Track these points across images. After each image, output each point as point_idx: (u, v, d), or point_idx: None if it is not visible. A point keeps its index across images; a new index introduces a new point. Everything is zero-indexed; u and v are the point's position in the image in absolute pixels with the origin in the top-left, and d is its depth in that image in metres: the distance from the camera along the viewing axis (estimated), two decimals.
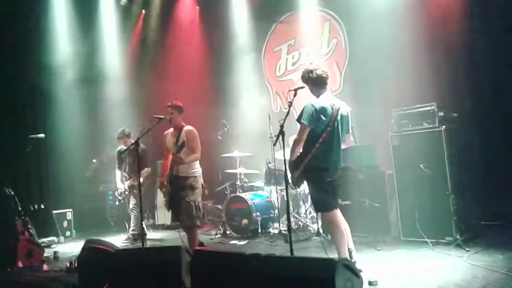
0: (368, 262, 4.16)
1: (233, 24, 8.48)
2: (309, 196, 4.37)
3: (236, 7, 8.48)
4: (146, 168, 6.68)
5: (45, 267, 5.19)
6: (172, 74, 8.53)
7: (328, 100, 4.07)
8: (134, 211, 6.73)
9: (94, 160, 8.61)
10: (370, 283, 3.10)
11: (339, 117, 4.07)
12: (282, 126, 3.80)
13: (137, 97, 8.61)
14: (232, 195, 6.83)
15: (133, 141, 6.19)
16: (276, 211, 6.52)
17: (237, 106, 8.08)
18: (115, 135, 7.01)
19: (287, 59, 8.05)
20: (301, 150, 4.01)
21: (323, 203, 3.99)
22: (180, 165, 4.75)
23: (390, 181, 5.45)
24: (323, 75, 4.10)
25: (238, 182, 7.10)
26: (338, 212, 4.01)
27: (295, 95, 4.01)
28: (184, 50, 8.76)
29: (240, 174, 7.11)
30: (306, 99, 4.13)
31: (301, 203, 6.66)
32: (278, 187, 6.53)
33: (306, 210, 6.49)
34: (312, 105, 3.99)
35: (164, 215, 8.00)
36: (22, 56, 7.49)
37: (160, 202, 7.90)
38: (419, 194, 5.05)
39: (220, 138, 7.26)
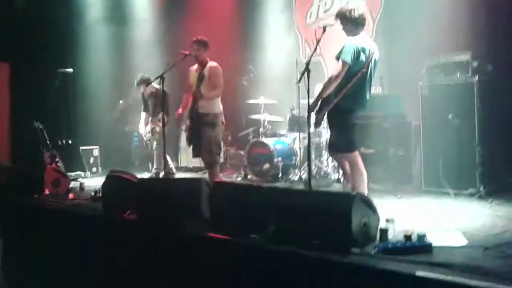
0: (387, 207, 4.15)
1: None
2: (329, 140, 4.30)
3: None
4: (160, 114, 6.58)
5: (71, 196, 5.37)
6: (200, 18, 8.40)
7: (365, 41, 4.01)
8: (157, 151, 6.83)
9: (121, 101, 8.74)
10: (387, 220, 3.10)
11: (373, 61, 4.02)
12: (308, 64, 3.73)
13: (165, 39, 8.54)
14: (255, 139, 6.84)
15: (154, 86, 6.25)
16: (298, 158, 6.53)
17: (265, 52, 7.92)
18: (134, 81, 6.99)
19: (319, 5, 7.79)
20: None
21: (347, 143, 3.98)
22: (201, 102, 4.77)
23: (416, 131, 5.36)
24: (364, 16, 4.03)
25: (261, 129, 7.09)
26: (358, 154, 4.02)
27: (323, 32, 3.92)
28: None
29: (264, 120, 7.09)
30: (334, 44, 4.06)
31: (323, 152, 6.64)
32: (301, 134, 6.51)
33: (328, 158, 6.47)
34: (354, 43, 3.91)
35: (187, 158, 8.09)
36: None
37: (183, 145, 7.97)
38: (445, 145, 4.95)
39: (246, 83, 7.21)
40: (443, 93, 4.99)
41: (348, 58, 3.86)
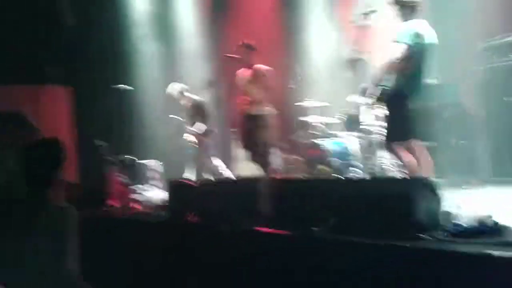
0: (453, 197, 4.00)
1: None
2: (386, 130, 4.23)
3: None
4: (200, 125, 6.66)
5: (136, 206, 5.57)
6: (242, 23, 8.52)
7: (421, 25, 3.96)
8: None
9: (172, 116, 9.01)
10: (454, 206, 3.00)
11: (429, 46, 3.94)
12: (356, 52, 3.72)
13: (212, 48, 8.72)
14: (310, 141, 6.81)
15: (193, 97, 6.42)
16: (355, 158, 6.43)
17: (311, 54, 7.93)
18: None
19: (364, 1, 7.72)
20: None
21: (406, 130, 3.91)
22: (252, 104, 4.84)
23: (477, 119, 5.17)
24: (419, 0, 3.97)
25: (315, 131, 7.05)
26: (419, 143, 3.91)
27: (367, 18, 3.91)
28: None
29: (317, 122, 7.06)
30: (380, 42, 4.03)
31: (377, 149, 6.50)
32: (355, 133, 6.42)
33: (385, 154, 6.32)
34: (410, 26, 3.89)
35: (239, 167, 8.16)
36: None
37: (235, 154, 8.07)
38: (510, 131, 4.74)
39: (294, 87, 7.23)
40: (501, 76, 4.81)
41: (406, 40, 3.83)
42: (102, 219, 5.14)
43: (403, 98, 3.93)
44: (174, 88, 6.99)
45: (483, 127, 5.02)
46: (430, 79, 4.20)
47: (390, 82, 3.93)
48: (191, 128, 7.05)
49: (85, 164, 7.40)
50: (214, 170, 6.27)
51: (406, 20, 4.03)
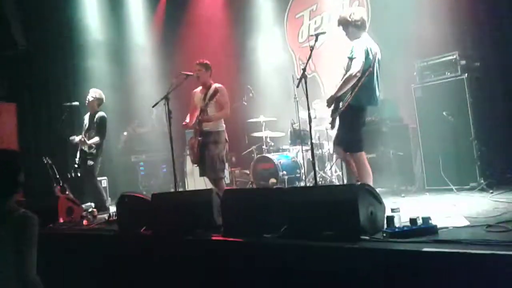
0: (393, 203, 4.29)
1: None
2: (337, 138, 4.43)
3: None
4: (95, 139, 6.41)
5: (85, 222, 5.49)
6: (196, 42, 8.72)
7: (369, 42, 4.22)
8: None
9: (125, 133, 8.97)
10: (392, 210, 3.24)
11: (377, 60, 4.23)
12: (304, 69, 3.94)
13: (165, 66, 8.82)
14: (259, 155, 7.01)
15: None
16: (302, 171, 6.68)
17: (261, 72, 8.21)
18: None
19: (309, 24, 8.11)
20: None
21: (357, 142, 4.16)
22: (205, 120, 4.96)
23: (413, 133, 5.55)
24: (364, 18, 4.26)
25: (264, 146, 7.27)
26: (364, 154, 4.18)
27: (316, 40, 4.13)
28: (207, 15, 8.93)
29: (266, 137, 7.27)
30: (327, 61, 4.24)
31: (326, 163, 6.79)
32: (304, 148, 6.67)
33: (331, 167, 6.62)
34: (362, 43, 4.11)
35: (194, 182, 8.24)
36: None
37: (189, 170, 8.15)
38: (443, 143, 5.14)
39: (246, 103, 7.44)
40: (436, 93, 5.21)
41: (362, 57, 4.05)
42: (50, 235, 5.03)
43: (358, 111, 4.17)
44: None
45: (418, 140, 5.39)
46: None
47: (345, 96, 4.13)
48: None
49: (31, 182, 7.21)
50: None
51: (354, 38, 4.28)
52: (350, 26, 4.26)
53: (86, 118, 6.53)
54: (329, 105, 4.12)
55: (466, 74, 5.03)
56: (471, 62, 5.15)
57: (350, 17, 4.25)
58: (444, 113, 5.02)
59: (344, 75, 4.17)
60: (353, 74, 4.04)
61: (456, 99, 5.05)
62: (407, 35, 5.82)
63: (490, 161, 5.02)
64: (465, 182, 4.97)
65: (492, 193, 4.54)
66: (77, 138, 6.42)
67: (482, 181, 4.83)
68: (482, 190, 4.72)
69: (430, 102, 5.27)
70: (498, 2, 5.37)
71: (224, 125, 5.27)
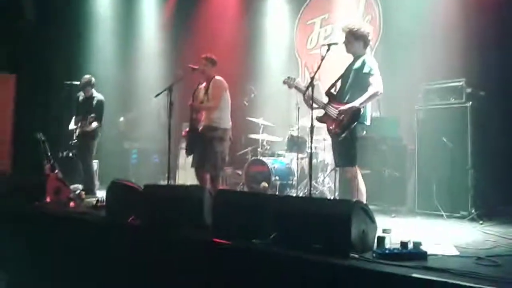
0: (383, 223, 4.27)
1: None
2: (337, 153, 4.41)
3: None
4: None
5: (71, 204, 5.43)
6: (204, 37, 8.69)
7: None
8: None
9: (121, 118, 8.90)
10: (384, 231, 3.23)
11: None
12: (312, 78, 3.91)
13: (171, 56, 8.77)
14: (254, 158, 6.98)
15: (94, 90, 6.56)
16: (295, 178, 6.66)
17: (266, 74, 8.18)
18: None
19: (319, 32, 8.10)
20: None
21: (353, 157, 4.15)
22: (212, 115, 4.94)
23: (411, 154, 5.54)
24: (370, 34, 4.27)
25: (260, 148, 7.24)
26: (358, 169, 4.17)
27: (328, 50, 4.10)
28: (218, 10, 8.88)
29: (263, 140, 7.25)
30: (329, 72, 4.23)
31: (319, 173, 6.77)
32: (299, 155, 6.64)
33: (324, 179, 6.61)
34: (373, 59, 4.16)
35: (185, 176, 8.18)
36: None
37: (182, 163, 8.10)
38: (438, 168, 5.13)
39: (247, 104, 7.41)
40: (438, 117, 5.21)
41: (377, 71, 4.11)
42: (35, 213, 4.98)
43: (359, 127, 4.16)
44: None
45: (415, 161, 5.39)
46: (373, 111, 4.50)
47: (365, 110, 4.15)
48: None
49: (22, 157, 7.15)
50: None
51: (357, 53, 4.26)
52: (360, 39, 4.24)
53: (81, 100, 6.51)
54: (346, 117, 4.07)
55: (471, 102, 5.03)
56: (477, 91, 5.14)
57: (360, 30, 4.22)
58: (443, 139, 5.01)
59: (354, 87, 4.15)
60: (379, 92, 4.08)
61: (457, 126, 5.05)
62: (416, 57, 5.84)
63: (484, 191, 5.01)
64: (456, 209, 4.97)
65: (481, 223, 4.54)
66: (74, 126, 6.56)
67: (473, 211, 4.83)
68: (472, 220, 4.72)
69: (431, 126, 5.27)
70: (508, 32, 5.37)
71: (230, 123, 5.26)
